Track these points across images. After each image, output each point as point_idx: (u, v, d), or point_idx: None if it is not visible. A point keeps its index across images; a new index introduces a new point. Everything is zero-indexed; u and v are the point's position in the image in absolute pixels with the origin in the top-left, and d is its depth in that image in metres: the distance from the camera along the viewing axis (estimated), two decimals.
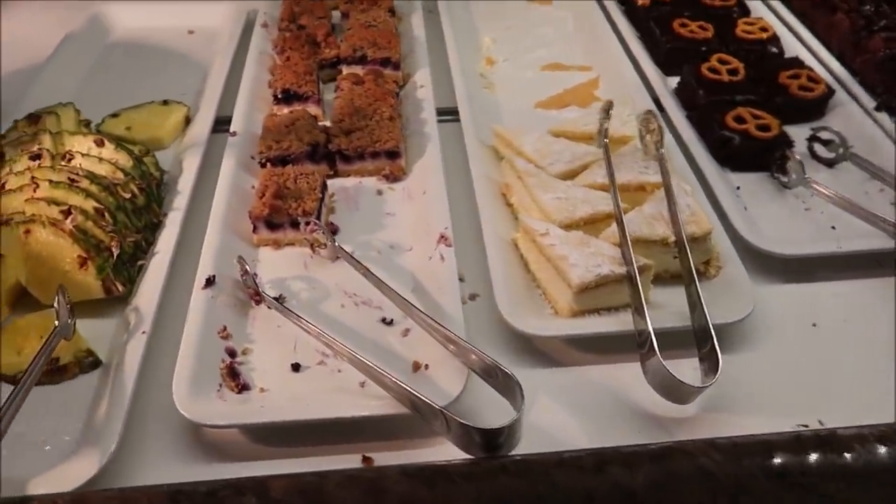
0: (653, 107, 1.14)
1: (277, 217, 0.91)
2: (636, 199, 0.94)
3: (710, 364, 0.76)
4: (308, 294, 0.89)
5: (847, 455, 0.63)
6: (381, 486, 0.62)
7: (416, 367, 0.80)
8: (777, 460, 0.63)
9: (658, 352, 0.75)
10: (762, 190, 1.05)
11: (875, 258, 0.94)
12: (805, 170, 1.01)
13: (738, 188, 1.04)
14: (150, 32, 1.36)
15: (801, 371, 0.83)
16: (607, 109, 0.95)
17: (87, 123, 1.06)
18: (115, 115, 1.09)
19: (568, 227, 0.90)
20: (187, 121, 1.13)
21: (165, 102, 1.12)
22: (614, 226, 0.89)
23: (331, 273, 0.91)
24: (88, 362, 0.80)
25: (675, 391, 0.76)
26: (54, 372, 0.78)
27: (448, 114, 1.16)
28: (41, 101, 1.12)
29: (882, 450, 0.63)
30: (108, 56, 1.31)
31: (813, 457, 0.63)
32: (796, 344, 0.86)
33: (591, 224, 0.91)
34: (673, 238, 0.87)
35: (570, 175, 0.99)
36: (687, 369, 0.79)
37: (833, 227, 0.98)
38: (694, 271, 0.82)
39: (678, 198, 0.90)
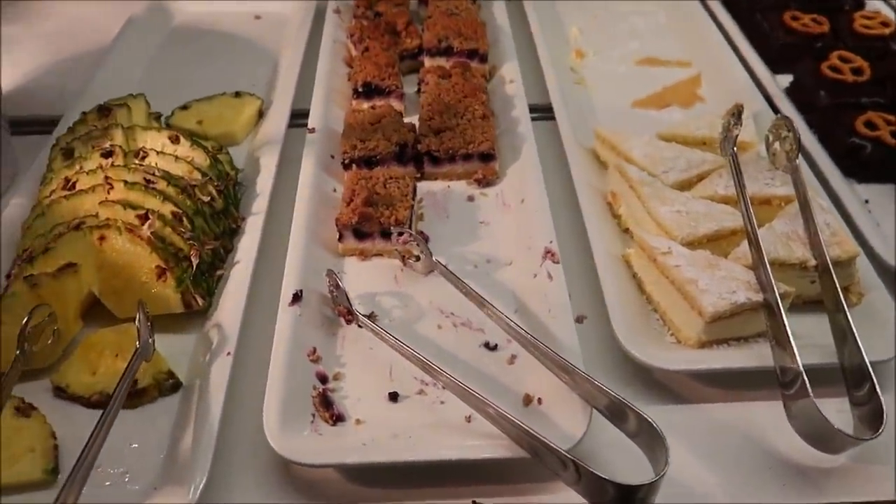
0: (766, 108, 1.04)
1: (367, 226, 0.83)
2: (760, 215, 0.83)
3: (869, 411, 0.67)
4: (401, 312, 0.81)
5: None
6: None
7: (528, 400, 0.72)
8: None
9: (811, 394, 0.66)
10: (892, 204, 0.95)
11: None
12: None
13: (866, 201, 0.94)
14: (215, 17, 1.29)
15: None
16: (738, 114, 0.85)
17: (158, 116, 0.99)
18: (185, 108, 1.02)
19: (690, 244, 0.81)
20: (260, 114, 1.05)
21: (238, 94, 1.04)
22: (744, 245, 0.79)
23: (424, 288, 0.83)
24: (169, 385, 0.73)
25: (828, 440, 0.66)
26: (133, 395, 0.71)
27: (539, 111, 1.07)
28: (107, 89, 1.06)
29: None
30: (172, 42, 1.24)
31: None
32: None
33: (715, 242, 0.82)
34: (813, 262, 0.77)
35: (685, 185, 0.89)
36: (831, 411, 0.69)
37: None
38: (843, 300, 0.73)
39: (815, 215, 0.80)
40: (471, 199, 0.95)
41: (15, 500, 0.65)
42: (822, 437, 0.66)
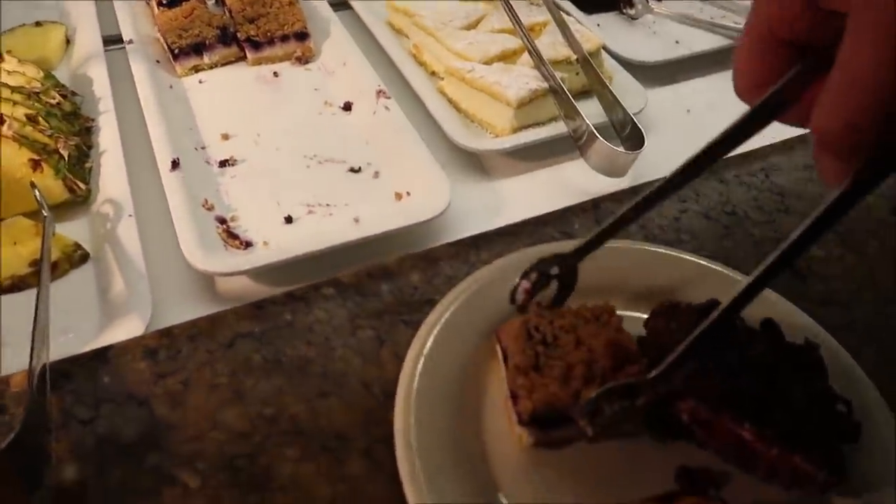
0: None
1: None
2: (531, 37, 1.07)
3: (635, 141, 0.93)
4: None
5: None
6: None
7: (399, 196, 0.88)
8: None
9: (599, 136, 0.90)
10: (615, 25, 1.24)
11: (715, 57, 1.17)
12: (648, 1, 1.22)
13: (598, 25, 1.22)
14: None
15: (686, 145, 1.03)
16: None
17: None
18: None
19: (486, 63, 1.01)
20: (67, 41, 1.07)
21: (38, 24, 1.05)
22: (525, 56, 1.02)
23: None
24: (78, 256, 0.78)
25: (614, 164, 0.91)
26: None
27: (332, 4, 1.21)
28: None
29: None
30: None
31: None
32: (679, 127, 1.06)
33: (503, 59, 1.03)
34: (574, 56, 1.02)
35: (468, 28, 1.10)
36: None
37: (677, 42, 1.20)
38: (604, 77, 0.99)
39: (570, 26, 1.05)
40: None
41: None
42: (611, 163, 0.91)
